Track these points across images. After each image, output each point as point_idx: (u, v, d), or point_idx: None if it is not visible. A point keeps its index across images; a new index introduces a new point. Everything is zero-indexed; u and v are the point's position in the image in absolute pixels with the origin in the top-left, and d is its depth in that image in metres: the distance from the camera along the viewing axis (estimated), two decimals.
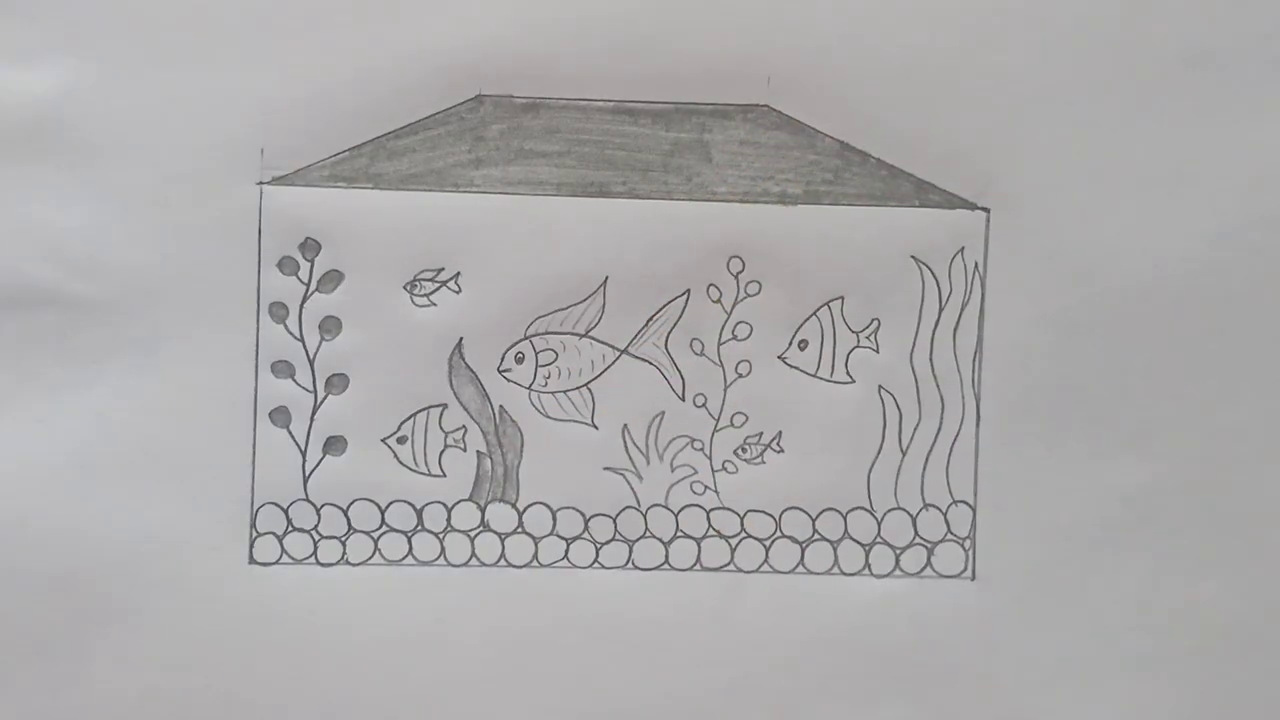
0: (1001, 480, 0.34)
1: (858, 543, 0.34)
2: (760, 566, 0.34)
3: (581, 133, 0.33)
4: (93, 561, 0.33)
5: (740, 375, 0.34)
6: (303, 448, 0.33)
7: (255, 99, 0.33)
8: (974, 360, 0.34)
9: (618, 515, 0.34)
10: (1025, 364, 0.34)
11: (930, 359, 0.34)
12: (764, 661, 0.34)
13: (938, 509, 0.34)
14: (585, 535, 0.33)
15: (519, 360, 0.33)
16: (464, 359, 0.33)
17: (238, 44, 0.33)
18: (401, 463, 0.33)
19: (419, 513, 0.33)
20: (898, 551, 0.34)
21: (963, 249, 0.34)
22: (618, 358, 0.34)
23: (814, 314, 0.34)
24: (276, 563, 0.33)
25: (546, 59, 0.33)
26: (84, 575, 0.33)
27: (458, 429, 0.33)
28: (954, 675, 0.34)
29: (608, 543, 0.34)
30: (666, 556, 0.34)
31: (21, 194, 0.33)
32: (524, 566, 0.33)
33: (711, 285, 0.34)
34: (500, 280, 0.33)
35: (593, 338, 0.34)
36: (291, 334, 0.33)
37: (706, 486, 0.34)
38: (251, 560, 0.33)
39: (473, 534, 0.33)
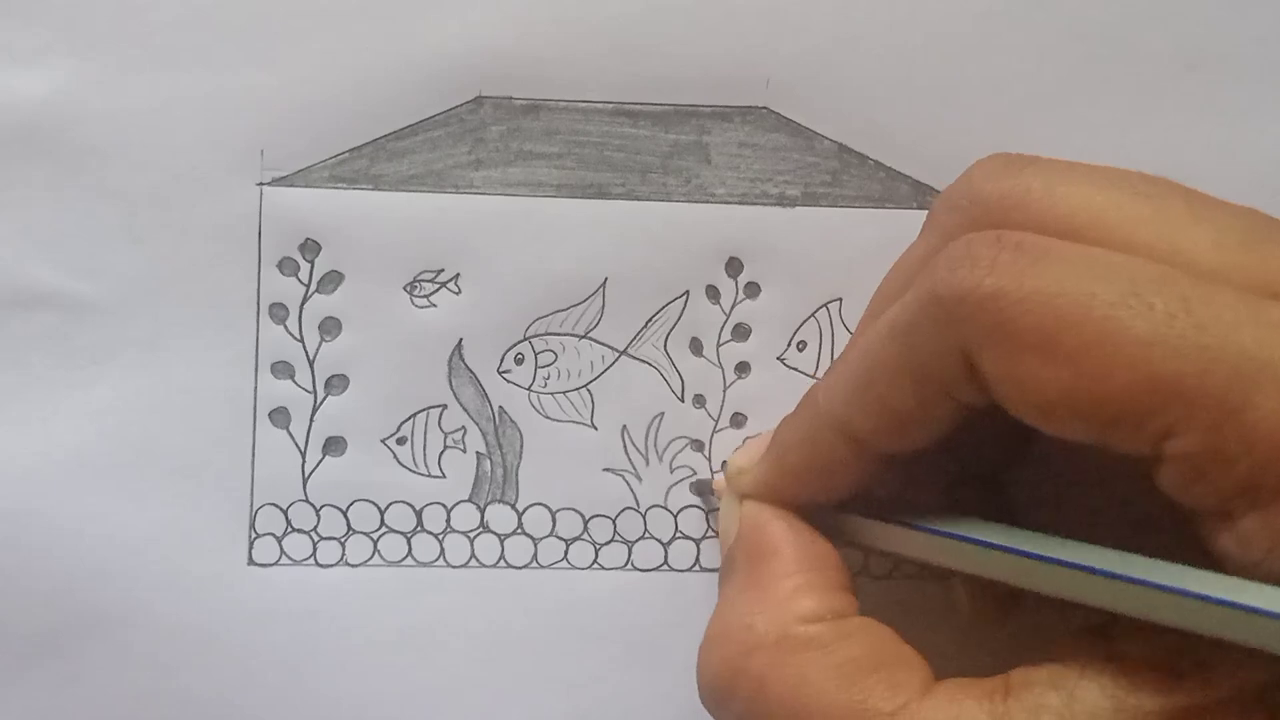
0: None
1: None
2: None
3: (581, 134, 0.33)
4: (92, 561, 0.33)
5: (740, 376, 0.34)
6: (302, 448, 0.33)
7: (255, 100, 0.33)
8: None
9: (617, 516, 0.34)
10: None
11: None
12: None
13: None
14: (584, 536, 0.34)
15: (519, 361, 0.33)
16: (464, 360, 0.33)
17: (238, 44, 0.33)
18: (401, 463, 0.33)
19: (418, 514, 0.33)
20: None
21: None
22: (617, 359, 0.34)
23: (812, 315, 0.34)
24: (276, 564, 0.33)
25: (546, 61, 0.33)
26: (84, 575, 0.33)
27: (457, 430, 0.33)
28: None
29: (607, 544, 0.34)
30: (666, 557, 0.34)
31: (21, 194, 0.33)
32: (524, 567, 0.33)
33: (710, 286, 0.34)
34: (500, 281, 0.33)
35: (592, 339, 0.34)
36: (291, 335, 0.33)
37: None
38: (251, 561, 0.33)
39: (472, 535, 0.33)
